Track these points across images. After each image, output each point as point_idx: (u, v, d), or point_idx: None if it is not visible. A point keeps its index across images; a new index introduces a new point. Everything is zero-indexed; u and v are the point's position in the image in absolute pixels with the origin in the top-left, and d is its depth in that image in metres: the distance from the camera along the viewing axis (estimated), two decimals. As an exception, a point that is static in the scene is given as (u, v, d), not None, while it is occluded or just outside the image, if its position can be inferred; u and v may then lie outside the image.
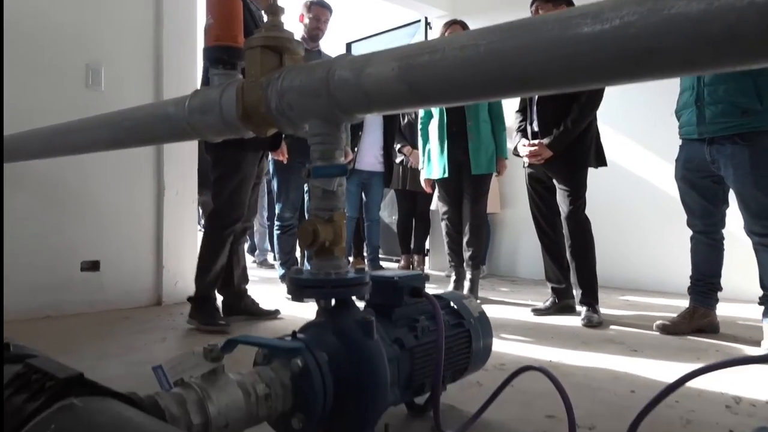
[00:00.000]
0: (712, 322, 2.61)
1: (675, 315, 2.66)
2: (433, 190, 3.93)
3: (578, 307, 2.95)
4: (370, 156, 4.36)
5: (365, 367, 1.15)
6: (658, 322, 2.63)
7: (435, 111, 3.67)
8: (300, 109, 1.19)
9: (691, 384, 1.76)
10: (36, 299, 2.81)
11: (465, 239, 3.53)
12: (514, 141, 3.21)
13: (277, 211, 3.81)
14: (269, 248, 5.63)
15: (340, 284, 1.20)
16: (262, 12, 2.44)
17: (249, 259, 5.53)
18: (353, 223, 4.55)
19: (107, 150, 1.95)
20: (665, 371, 1.98)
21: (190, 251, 3.27)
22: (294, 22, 3.73)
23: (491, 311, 1.71)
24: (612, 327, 2.77)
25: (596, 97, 2.91)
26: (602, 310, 2.93)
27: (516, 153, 3.19)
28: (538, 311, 3.09)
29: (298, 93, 1.18)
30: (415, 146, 4.77)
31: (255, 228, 5.62)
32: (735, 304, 3.06)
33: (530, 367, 1.38)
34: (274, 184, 3.82)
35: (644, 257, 4.05)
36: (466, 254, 3.51)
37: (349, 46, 6.26)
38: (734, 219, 2.55)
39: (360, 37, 6.25)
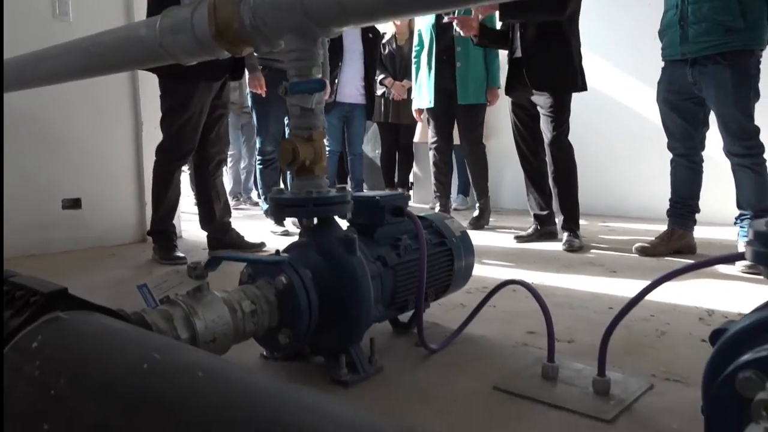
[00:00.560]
0: (690, 243, 2.67)
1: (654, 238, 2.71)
2: (422, 120, 3.90)
3: (560, 233, 3.00)
4: (350, 87, 4.24)
5: (349, 283, 1.17)
6: (637, 244, 2.69)
7: (426, 38, 3.59)
8: (274, 24, 1.16)
9: (666, 299, 1.84)
10: (20, 238, 2.78)
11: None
12: None
13: (257, 145, 3.75)
14: (252, 187, 5.60)
15: (321, 203, 1.20)
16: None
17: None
18: (336, 157, 4.50)
19: (81, 78, 1.89)
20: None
21: (171, 186, 3.23)
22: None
23: (475, 239, 1.73)
24: (592, 251, 2.82)
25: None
26: (583, 236, 2.98)
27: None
28: (520, 238, 3.14)
29: (271, 7, 1.15)
30: (396, 77, 4.69)
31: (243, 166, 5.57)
32: (712, 227, 3.12)
33: (512, 281, 1.41)
34: (254, 117, 3.74)
35: (625, 184, 4.09)
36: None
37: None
38: (713, 143, 2.57)
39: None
